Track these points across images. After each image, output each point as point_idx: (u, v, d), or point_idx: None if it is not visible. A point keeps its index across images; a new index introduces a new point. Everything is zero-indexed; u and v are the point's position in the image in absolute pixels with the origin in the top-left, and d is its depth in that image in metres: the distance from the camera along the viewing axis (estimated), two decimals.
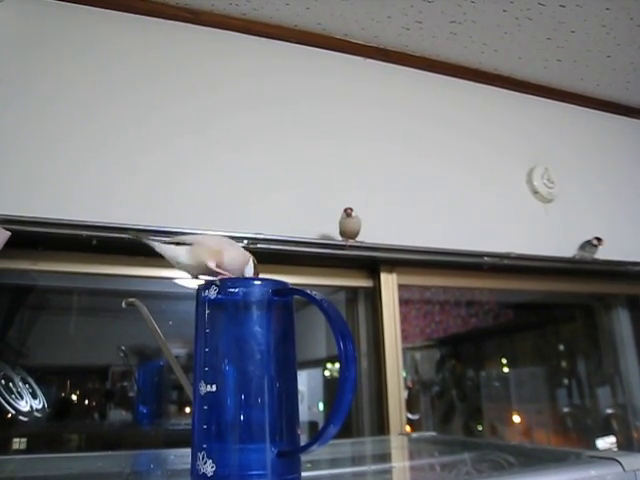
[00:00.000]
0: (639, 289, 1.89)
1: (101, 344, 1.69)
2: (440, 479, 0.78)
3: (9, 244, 0.94)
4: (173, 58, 1.45)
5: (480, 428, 2.36)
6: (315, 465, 0.75)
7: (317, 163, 1.51)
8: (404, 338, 1.58)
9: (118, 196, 1.27)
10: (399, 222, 1.54)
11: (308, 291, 0.56)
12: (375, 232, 1.44)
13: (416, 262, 1.52)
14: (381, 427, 1.41)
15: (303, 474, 0.57)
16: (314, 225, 1.42)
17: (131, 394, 1.73)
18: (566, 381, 2.27)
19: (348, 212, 1.37)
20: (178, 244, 0.60)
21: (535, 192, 1.77)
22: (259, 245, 1.28)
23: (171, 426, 1.70)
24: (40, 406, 1.54)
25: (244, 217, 1.37)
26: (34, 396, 1.53)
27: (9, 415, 1.48)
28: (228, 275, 0.60)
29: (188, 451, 0.56)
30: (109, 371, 1.72)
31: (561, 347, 2.33)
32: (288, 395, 0.56)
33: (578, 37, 1.63)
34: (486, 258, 1.57)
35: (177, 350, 1.44)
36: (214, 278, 0.59)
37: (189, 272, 0.61)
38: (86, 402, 1.71)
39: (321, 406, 2.15)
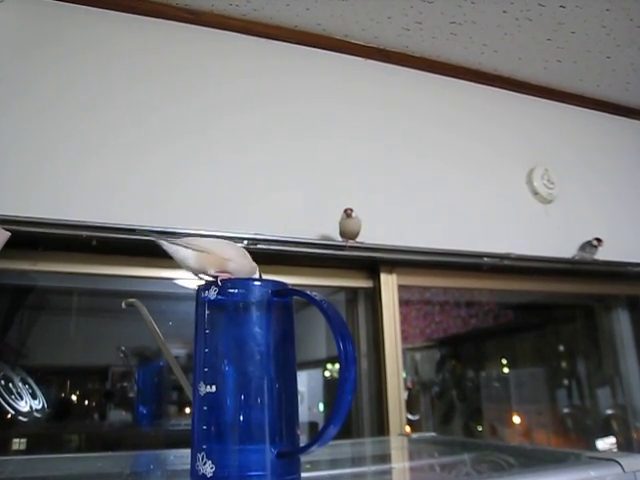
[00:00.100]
0: (639, 290, 1.89)
1: (101, 344, 1.69)
2: None
3: (9, 244, 0.93)
4: (173, 58, 1.45)
5: (480, 429, 2.36)
6: (315, 466, 0.75)
7: (317, 163, 1.51)
8: (404, 339, 1.58)
9: (118, 196, 1.27)
10: (399, 222, 1.54)
11: (308, 292, 0.56)
12: (375, 232, 1.44)
13: (416, 263, 1.52)
14: (381, 428, 1.41)
15: (303, 475, 0.57)
16: (314, 225, 1.42)
17: (131, 395, 1.73)
18: (566, 382, 2.27)
19: (348, 212, 1.37)
20: (187, 247, 0.61)
21: (535, 193, 1.77)
22: (259, 245, 1.28)
23: (171, 427, 1.70)
24: (40, 406, 1.54)
25: (244, 217, 1.37)
26: (34, 396, 1.53)
27: (9, 415, 1.48)
28: (228, 275, 0.60)
29: (188, 452, 0.56)
30: (109, 371, 1.72)
31: (561, 348, 2.33)
32: (288, 396, 0.56)
33: (578, 38, 1.63)
34: (486, 259, 1.57)
35: (177, 351, 1.44)
36: (216, 277, 0.59)
37: (194, 273, 0.61)
38: (86, 402, 1.71)
39: (321, 407, 2.15)
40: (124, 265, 1.29)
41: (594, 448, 1.98)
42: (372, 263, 1.49)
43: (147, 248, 1.24)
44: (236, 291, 0.57)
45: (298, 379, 0.60)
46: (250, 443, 0.53)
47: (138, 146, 1.33)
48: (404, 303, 1.80)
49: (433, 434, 1.16)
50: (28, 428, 1.51)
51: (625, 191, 1.95)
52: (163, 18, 1.46)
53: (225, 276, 0.59)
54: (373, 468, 0.87)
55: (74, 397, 1.69)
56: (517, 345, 2.49)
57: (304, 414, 2.12)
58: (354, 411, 1.47)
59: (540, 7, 1.49)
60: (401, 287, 1.53)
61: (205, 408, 0.54)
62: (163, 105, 1.39)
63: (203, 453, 0.53)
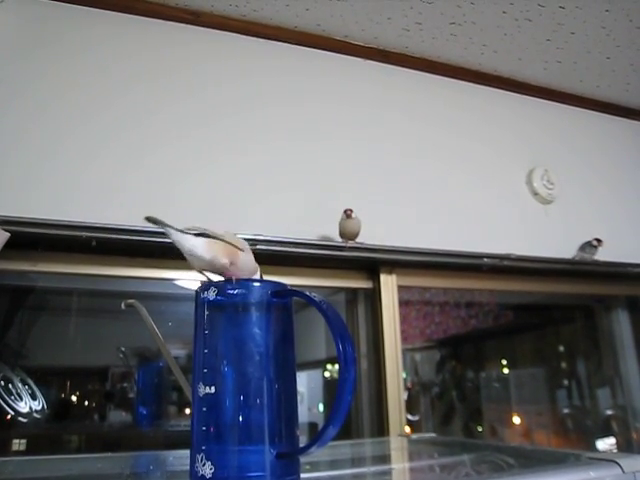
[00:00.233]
0: (639, 290, 1.89)
1: (101, 345, 1.69)
2: None
3: (9, 245, 0.94)
4: (173, 59, 1.45)
5: (480, 429, 2.36)
6: (314, 467, 0.75)
7: (317, 164, 1.51)
8: (404, 339, 1.58)
9: (118, 197, 1.27)
10: (399, 223, 1.54)
11: (307, 292, 0.56)
12: (375, 233, 1.44)
13: (416, 263, 1.51)
14: (381, 428, 1.41)
15: (302, 476, 0.57)
16: (314, 226, 1.42)
17: (131, 395, 1.73)
18: (566, 382, 2.27)
19: (348, 213, 1.37)
20: (197, 235, 0.59)
21: (535, 193, 1.77)
22: (259, 246, 1.28)
23: (170, 427, 1.70)
24: (39, 407, 1.54)
25: (244, 218, 1.37)
26: (33, 397, 1.53)
27: (8, 416, 1.48)
28: (235, 275, 0.59)
29: (187, 453, 0.56)
30: (109, 372, 1.72)
31: (561, 348, 2.33)
32: (287, 396, 0.56)
33: (578, 39, 1.63)
34: (486, 259, 1.57)
35: (176, 351, 1.44)
36: (226, 271, 0.59)
37: (198, 265, 0.60)
38: (86, 403, 1.71)
39: (321, 407, 2.15)
40: (124, 266, 1.29)
41: (594, 449, 1.97)
42: (372, 264, 1.49)
43: (147, 249, 1.25)
44: (235, 292, 0.57)
45: (298, 380, 0.60)
46: (249, 444, 0.53)
47: (138, 147, 1.34)
48: (404, 304, 1.80)
49: (433, 435, 1.16)
50: (28, 429, 1.51)
51: (625, 192, 1.95)
52: (163, 19, 1.46)
53: (233, 275, 0.58)
54: (373, 469, 0.87)
55: (74, 398, 1.69)
56: (517, 346, 2.49)
57: (304, 415, 2.12)
58: (354, 412, 1.47)
59: (540, 8, 1.50)
60: (401, 288, 1.53)
61: (204, 409, 0.54)
62: (163, 106, 1.39)
63: (202, 454, 0.53)
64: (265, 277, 0.65)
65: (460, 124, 1.75)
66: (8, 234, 0.93)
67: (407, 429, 1.53)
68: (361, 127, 1.60)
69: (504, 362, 2.46)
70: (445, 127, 1.72)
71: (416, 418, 2.33)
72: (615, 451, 1.93)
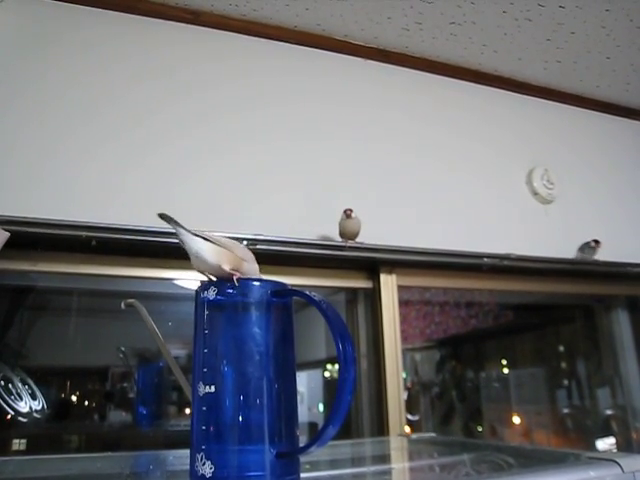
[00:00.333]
0: (639, 290, 1.89)
1: (101, 345, 1.69)
2: None
3: (9, 245, 0.94)
4: (173, 59, 1.45)
5: (480, 429, 2.36)
6: (314, 466, 0.75)
7: (317, 164, 1.51)
8: (404, 339, 1.58)
9: (118, 197, 1.27)
10: (399, 223, 1.54)
11: (307, 292, 0.56)
12: (375, 233, 1.44)
13: (416, 263, 1.51)
14: (380, 428, 1.41)
15: (302, 475, 0.57)
16: (314, 226, 1.42)
17: (131, 395, 1.73)
18: (566, 382, 2.28)
19: (347, 213, 1.37)
20: (206, 240, 0.60)
21: (535, 193, 1.77)
22: (259, 246, 1.28)
23: (170, 427, 1.70)
24: (39, 407, 1.54)
25: (244, 218, 1.37)
26: (33, 397, 1.53)
27: (9, 416, 1.48)
28: (239, 275, 0.60)
29: (187, 452, 0.56)
30: (109, 372, 1.72)
31: (561, 348, 2.33)
32: (287, 396, 0.56)
33: (578, 38, 1.63)
34: (486, 259, 1.57)
35: (176, 351, 1.44)
36: (230, 274, 0.59)
37: (203, 268, 0.60)
38: (86, 403, 1.71)
39: (321, 407, 2.15)
40: (124, 265, 1.29)
41: (594, 448, 1.97)
42: (372, 263, 1.49)
43: (147, 248, 1.25)
44: (235, 291, 0.57)
45: (298, 379, 0.60)
46: (249, 443, 0.53)
47: (138, 146, 1.34)
48: (404, 303, 1.80)
49: (433, 434, 1.16)
50: (28, 429, 1.51)
51: (625, 191, 1.95)
52: (163, 18, 1.46)
53: (238, 275, 0.59)
54: (373, 468, 0.87)
55: (74, 398, 1.69)
56: (517, 345, 2.49)
57: (304, 414, 2.12)
58: (354, 411, 1.47)
59: (540, 7, 1.50)
60: (401, 287, 1.53)
61: (204, 408, 0.54)
62: (163, 105, 1.39)
63: (202, 453, 0.53)
64: (265, 277, 0.65)
65: (460, 124, 1.75)
66: (8, 234, 0.93)
67: (407, 429, 1.53)
68: (361, 127, 1.60)
69: (504, 362, 2.46)
70: (445, 127, 1.72)
71: (416, 418, 2.33)
72: (615, 451, 1.93)
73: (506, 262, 1.59)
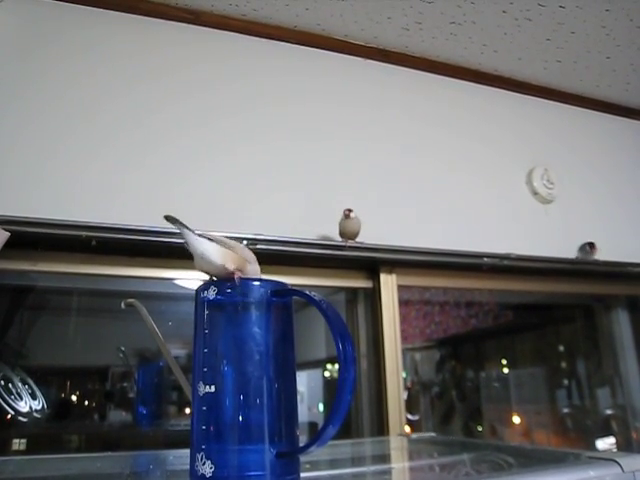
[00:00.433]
0: (639, 290, 1.89)
1: (101, 345, 1.69)
2: None
3: (9, 245, 0.94)
4: (173, 59, 1.45)
5: (480, 429, 2.36)
6: (314, 466, 0.75)
7: (317, 164, 1.51)
8: (404, 339, 1.58)
9: (118, 197, 1.27)
10: (399, 223, 1.54)
11: (307, 292, 0.56)
12: (375, 233, 1.44)
13: (416, 263, 1.52)
14: (380, 428, 1.41)
15: (302, 475, 0.57)
16: (314, 226, 1.42)
17: (131, 395, 1.73)
18: (566, 382, 2.28)
19: (347, 213, 1.37)
20: (210, 240, 0.60)
21: (535, 193, 1.77)
22: (259, 246, 1.28)
23: (170, 427, 1.70)
24: (39, 407, 1.54)
25: (244, 218, 1.37)
26: (33, 397, 1.53)
27: (8, 416, 1.48)
28: (242, 275, 0.60)
29: (187, 452, 0.56)
30: (109, 372, 1.72)
31: (561, 348, 2.33)
32: (287, 396, 0.56)
33: (578, 38, 1.63)
34: (486, 259, 1.57)
35: (176, 351, 1.44)
36: (232, 275, 0.59)
37: (207, 269, 0.60)
38: (86, 403, 1.71)
39: (321, 407, 2.15)
40: (124, 265, 1.29)
41: (594, 448, 1.98)
42: (372, 263, 1.49)
43: (147, 248, 1.25)
44: (235, 291, 0.57)
45: (298, 379, 0.60)
46: (249, 443, 0.53)
47: (138, 146, 1.34)
48: (404, 303, 1.80)
49: (433, 434, 1.16)
50: (28, 428, 1.51)
51: (625, 191, 1.95)
52: (163, 18, 1.46)
53: (239, 274, 0.59)
54: (373, 468, 0.87)
55: (74, 397, 1.69)
56: (517, 345, 2.49)
57: (304, 414, 2.12)
58: (354, 411, 1.47)
59: (540, 7, 1.50)
60: (401, 287, 1.53)
61: (204, 408, 0.54)
62: (163, 105, 1.39)
63: (202, 453, 0.53)
64: (265, 276, 0.65)
65: (460, 124, 1.75)
66: (8, 233, 0.93)
67: (407, 429, 1.53)
68: (361, 127, 1.60)
69: (504, 362, 2.46)
70: (445, 127, 1.72)
71: (416, 418, 2.33)
72: (615, 450, 1.94)
73: (506, 262, 1.59)
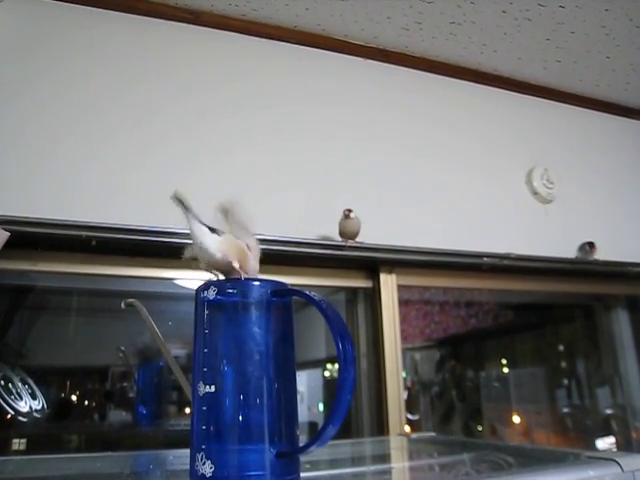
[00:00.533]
0: (639, 290, 1.89)
1: (101, 345, 1.69)
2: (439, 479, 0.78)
3: (9, 245, 0.94)
4: (173, 59, 1.45)
5: (480, 428, 2.36)
6: (314, 466, 0.75)
7: (317, 164, 1.51)
8: (404, 339, 1.58)
9: (118, 197, 1.27)
10: (399, 223, 1.54)
11: (307, 292, 0.56)
12: (375, 233, 1.44)
13: (416, 263, 1.52)
14: (380, 428, 1.41)
15: (302, 475, 0.57)
16: (314, 226, 1.42)
17: (131, 395, 1.73)
18: (566, 382, 2.28)
19: (347, 213, 1.37)
20: (214, 230, 0.59)
21: (535, 193, 1.77)
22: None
23: (170, 427, 1.70)
24: (39, 407, 1.54)
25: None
26: (33, 397, 1.53)
27: (8, 416, 1.48)
28: (243, 274, 0.59)
29: (187, 452, 0.56)
30: (109, 372, 1.72)
31: (561, 348, 2.33)
32: (287, 396, 0.56)
33: (577, 38, 1.63)
34: (486, 259, 1.57)
35: (176, 351, 1.44)
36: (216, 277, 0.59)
37: (204, 260, 0.59)
38: (86, 403, 1.71)
39: (321, 407, 2.15)
40: (124, 265, 1.29)
41: (594, 448, 1.98)
42: (372, 263, 1.49)
43: (147, 248, 1.25)
44: (235, 291, 0.57)
45: (298, 379, 0.60)
46: (249, 443, 0.53)
47: (138, 146, 1.34)
48: (404, 303, 1.80)
49: (433, 434, 1.16)
50: (28, 428, 1.51)
51: (624, 191, 1.95)
52: (162, 18, 1.46)
53: (238, 266, 0.58)
54: (372, 468, 0.87)
55: (74, 397, 1.69)
56: (517, 345, 2.49)
57: (304, 414, 2.12)
58: (354, 411, 1.47)
59: (539, 7, 1.50)
60: (401, 287, 1.53)
61: (204, 408, 0.54)
62: (163, 105, 1.39)
63: (202, 453, 0.53)
64: (265, 276, 0.65)
65: (460, 124, 1.75)
66: (8, 233, 0.93)
67: (407, 428, 1.53)
68: (361, 127, 1.60)
69: (504, 361, 2.46)
70: (445, 126, 1.72)
71: (416, 417, 2.33)
72: (615, 450, 1.94)
73: (506, 262, 1.59)
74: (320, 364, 2.09)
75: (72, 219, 1.16)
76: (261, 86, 1.52)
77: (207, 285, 0.58)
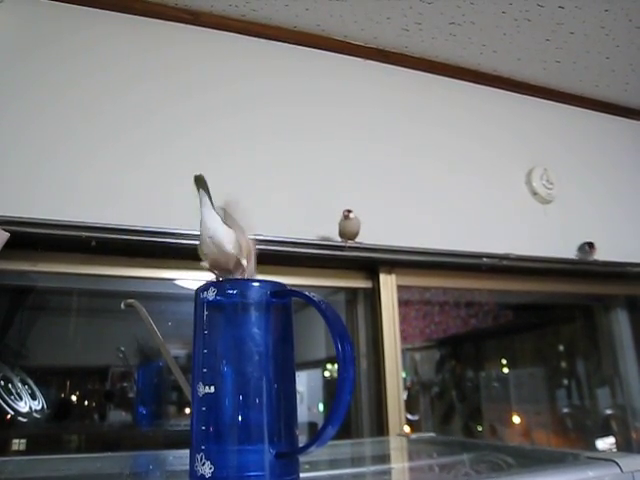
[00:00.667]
0: (638, 290, 1.89)
1: (100, 345, 1.69)
2: None
3: (9, 245, 0.94)
4: (172, 59, 1.45)
5: (480, 429, 2.36)
6: (314, 466, 0.75)
7: (317, 164, 1.51)
8: (403, 339, 1.58)
9: (118, 197, 1.27)
10: (398, 223, 1.54)
11: (306, 292, 0.56)
12: (374, 233, 1.44)
13: (415, 263, 1.52)
14: (380, 428, 1.41)
15: (302, 475, 0.57)
16: (313, 226, 1.42)
17: (130, 395, 1.73)
18: (565, 382, 2.28)
19: (346, 214, 1.37)
20: (225, 223, 0.58)
21: (534, 193, 1.77)
22: (258, 246, 1.28)
23: (170, 427, 1.70)
24: (39, 407, 1.54)
25: (243, 218, 1.37)
26: (33, 397, 1.53)
27: (8, 416, 1.48)
28: (244, 275, 0.59)
29: (187, 452, 0.56)
30: (108, 372, 1.72)
31: (560, 348, 2.33)
32: (286, 396, 0.56)
33: (577, 38, 1.63)
34: (485, 259, 1.57)
35: (176, 351, 1.44)
36: (214, 275, 0.59)
37: (212, 252, 0.58)
38: (85, 403, 1.71)
39: (320, 407, 2.15)
40: (123, 266, 1.29)
41: (594, 448, 1.98)
42: (371, 263, 1.49)
43: (147, 249, 1.25)
44: (235, 292, 0.57)
45: (297, 379, 0.60)
46: (249, 443, 0.53)
47: (138, 147, 1.34)
48: (403, 303, 1.80)
49: (432, 434, 1.16)
50: (28, 429, 1.51)
51: (624, 191, 1.95)
52: (162, 19, 1.46)
53: (241, 264, 0.58)
54: (372, 468, 0.87)
55: (74, 398, 1.69)
56: (516, 345, 2.49)
57: (303, 414, 2.12)
58: (353, 411, 1.47)
59: (539, 8, 1.50)
60: (400, 287, 1.53)
61: (204, 409, 0.54)
62: (163, 105, 1.39)
63: (202, 453, 0.53)
64: (264, 277, 0.65)
65: (459, 124, 1.75)
66: (8, 234, 0.93)
67: (407, 429, 1.53)
68: (361, 127, 1.60)
69: (504, 362, 2.46)
70: (445, 127, 1.72)
71: (416, 418, 2.34)
72: (615, 450, 1.94)
73: (505, 262, 1.59)
74: (320, 364, 2.09)
75: (72, 219, 1.16)
76: (261, 86, 1.52)
77: (207, 286, 0.58)
